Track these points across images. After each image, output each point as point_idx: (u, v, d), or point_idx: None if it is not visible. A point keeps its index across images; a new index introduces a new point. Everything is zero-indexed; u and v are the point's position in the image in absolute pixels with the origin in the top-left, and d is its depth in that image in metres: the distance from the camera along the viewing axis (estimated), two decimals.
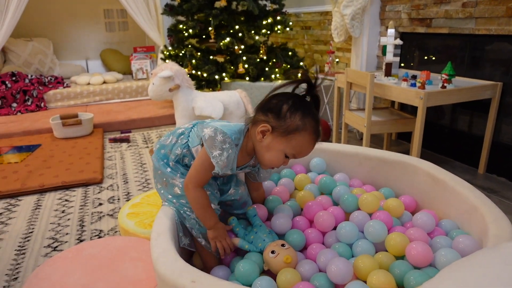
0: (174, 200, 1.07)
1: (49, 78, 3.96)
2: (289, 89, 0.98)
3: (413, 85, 1.97)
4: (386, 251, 1.09)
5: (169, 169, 1.07)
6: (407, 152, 2.40)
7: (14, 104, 3.54)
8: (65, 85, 3.92)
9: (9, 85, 3.54)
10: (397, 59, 2.20)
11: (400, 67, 2.59)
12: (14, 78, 3.65)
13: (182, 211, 1.06)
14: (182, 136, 1.09)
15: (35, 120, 3.24)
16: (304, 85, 0.98)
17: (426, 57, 2.56)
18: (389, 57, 2.20)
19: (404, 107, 2.68)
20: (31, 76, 3.80)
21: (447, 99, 1.90)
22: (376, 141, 2.80)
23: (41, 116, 3.34)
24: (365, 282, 0.95)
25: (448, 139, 2.43)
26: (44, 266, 1.22)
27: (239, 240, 1.07)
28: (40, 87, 3.71)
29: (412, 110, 2.55)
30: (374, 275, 0.93)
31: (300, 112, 0.93)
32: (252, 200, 1.25)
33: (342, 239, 1.12)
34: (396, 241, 1.05)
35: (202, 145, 1.00)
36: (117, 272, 1.19)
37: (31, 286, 1.12)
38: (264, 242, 1.04)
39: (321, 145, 1.57)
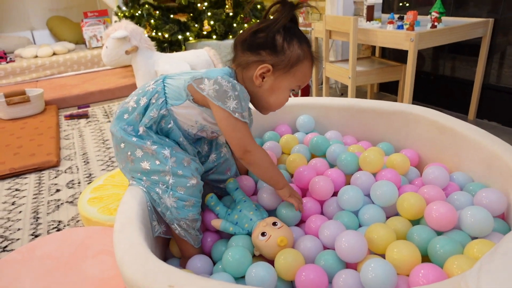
0: (144, 178, 0.84)
1: None
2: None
3: (401, 27, 1.77)
4: (398, 215, 0.93)
5: (134, 138, 0.84)
6: None
7: None
8: (8, 59, 3.47)
9: None
10: (380, 0, 1.98)
11: None
12: None
13: (153, 193, 0.84)
14: (156, 94, 0.85)
15: None
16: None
17: (405, 2, 2.35)
18: None
19: (385, 55, 2.50)
20: None
21: (439, 40, 1.72)
22: (358, 96, 2.63)
23: None
24: (383, 256, 0.79)
25: (434, 86, 2.28)
26: None
27: (221, 222, 0.88)
28: None
29: (396, 57, 2.38)
30: (394, 248, 0.76)
31: (295, 38, 0.80)
32: (239, 171, 1.05)
33: (345, 206, 0.94)
34: (411, 203, 0.88)
35: (194, 101, 0.82)
36: (78, 272, 0.98)
37: None
38: (251, 222, 0.85)
39: (306, 100, 1.39)
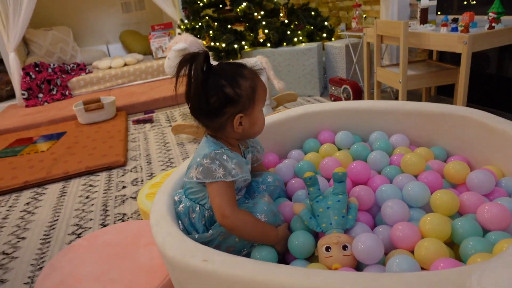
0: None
1: (71, 65, 3.95)
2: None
3: (455, 29, 1.72)
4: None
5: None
6: None
7: (40, 95, 3.57)
8: (87, 71, 3.90)
9: (33, 76, 3.56)
10: (434, 2, 1.93)
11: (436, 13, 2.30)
12: (37, 69, 3.66)
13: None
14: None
15: (60, 108, 3.25)
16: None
17: (464, 1, 2.25)
18: (425, 1, 1.93)
19: (443, 58, 2.41)
20: (53, 65, 3.80)
21: (496, 41, 1.64)
22: (413, 99, 2.56)
23: (67, 104, 3.34)
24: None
25: (496, 89, 2.15)
26: (59, 256, 1.15)
27: (303, 210, 0.86)
28: (63, 75, 3.70)
29: (453, 60, 2.28)
30: (423, 243, 0.77)
31: (236, 77, 0.82)
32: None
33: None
34: (443, 201, 0.88)
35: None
36: (132, 259, 1.11)
37: (45, 279, 1.06)
38: (330, 227, 0.81)
39: (351, 104, 1.40)
